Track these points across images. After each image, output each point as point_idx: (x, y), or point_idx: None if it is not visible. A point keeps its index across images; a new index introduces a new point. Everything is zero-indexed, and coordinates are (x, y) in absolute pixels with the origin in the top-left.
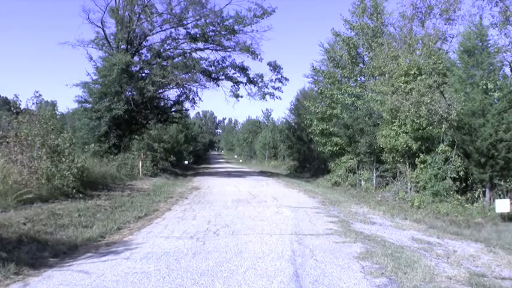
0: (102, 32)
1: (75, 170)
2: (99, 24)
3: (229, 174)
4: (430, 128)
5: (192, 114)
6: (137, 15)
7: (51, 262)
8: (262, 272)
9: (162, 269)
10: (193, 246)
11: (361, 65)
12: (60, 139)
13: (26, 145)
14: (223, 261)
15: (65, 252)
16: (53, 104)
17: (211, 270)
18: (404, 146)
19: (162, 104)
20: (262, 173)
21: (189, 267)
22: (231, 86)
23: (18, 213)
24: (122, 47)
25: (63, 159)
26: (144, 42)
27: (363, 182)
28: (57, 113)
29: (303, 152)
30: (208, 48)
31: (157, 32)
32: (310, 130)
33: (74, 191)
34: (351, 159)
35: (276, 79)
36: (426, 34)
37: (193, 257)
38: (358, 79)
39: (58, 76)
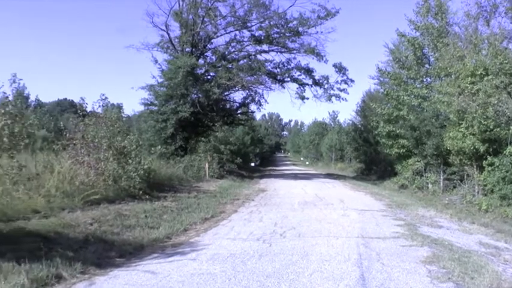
0: (167, 35)
1: (142, 172)
2: (163, 28)
3: (295, 176)
4: (498, 129)
5: (258, 116)
6: (201, 18)
7: (118, 262)
8: (329, 274)
9: (228, 270)
10: (260, 248)
11: (426, 65)
12: (126, 141)
13: (92, 147)
14: (290, 264)
15: (131, 252)
16: (119, 107)
17: (277, 273)
18: (472, 148)
19: (228, 106)
20: (329, 175)
21: (255, 269)
22: (297, 88)
23: (85, 214)
24: (186, 49)
25: (130, 160)
26: (208, 45)
27: (429, 185)
28: (123, 115)
29: (370, 154)
30: (273, 50)
31: (221, 35)
32: (376, 132)
33: (141, 192)
34: (417, 161)
35: (341, 81)
36: (492, 33)
37: (260, 259)
38: (424, 80)
39: (123, 79)
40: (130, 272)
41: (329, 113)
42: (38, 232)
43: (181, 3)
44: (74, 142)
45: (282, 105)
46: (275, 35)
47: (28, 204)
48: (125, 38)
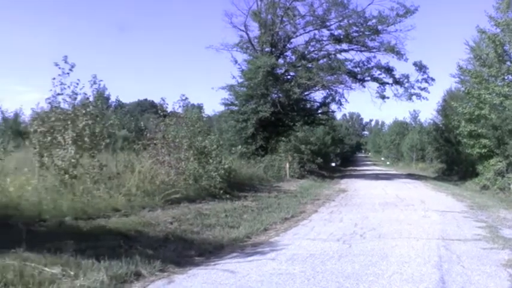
0: (246, 36)
1: (222, 171)
2: (242, 28)
3: (376, 176)
4: None
5: (338, 116)
6: (280, 18)
7: (197, 261)
8: (408, 277)
9: (307, 270)
10: (339, 249)
11: (508, 63)
12: (207, 141)
13: (173, 147)
14: (369, 265)
15: (210, 251)
16: (199, 107)
17: (356, 274)
18: None
19: (308, 106)
20: (410, 176)
21: (335, 270)
22: (377, 87)
23: (165, 213)
24: (266, 49)
25: (211, 160)
26: (288, 45)
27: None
28: (203, 115)
29: (451, 154)
30: (352, 49)
31: (300, 34)
32: (457, 132)
33: (221, 191)
34: (499, 161)
35: (422, 79)
36: None
37: (339, 259)
38: (506, 78)
39: (203, 79)
40: (210, 270)
41: (410, 113)
42: (118, 230)
43: (259, 3)
44: (155, 142)
45: (362, 104)
46: (354, 34)
47: (109, 203)
48: (203, 39)
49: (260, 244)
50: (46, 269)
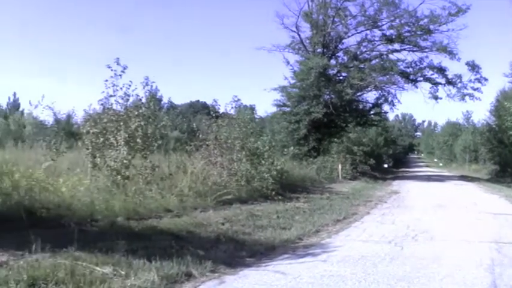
0: (298, 36)
1: (275, 173)
2: (294, 29)
3: (428, 178)
4: None
5: (391, 116)
6: (331, 19)
7: (248, 262)
8: (460, 280)
9: (359, 273)
10: (391, 251)
11: None
12: (259, 142)
13: (225, 148)
14: (421, 268)
15: (262, 252)
16: (252, 108)
17: (408, 276)
18: None
19: (360, 106)
20: (463, 178)
21: (386, 272)
22: (430, 88)
23: (217, 214)
24: (317, 50)
25: (263, 161)
26: (339, 45)
27: None
28: (255, 116)
29: (504, 156)
30: (404, 49)
31: (352, 35)
32: (511, 133)
33: (273, 193)
34: None
35: (474, 79)
36: None
37: (391, 262)
38: None
39: (255, 81)
40: (260, 272)
41: (462, 113)
42: (169, 230)
43: (310, 3)
44: (207, 143)
45: (415, 105)
46: (406, 34)
47: (161, 204)
48: (254, 40)
49: (311, 246)
50: (97, 268)
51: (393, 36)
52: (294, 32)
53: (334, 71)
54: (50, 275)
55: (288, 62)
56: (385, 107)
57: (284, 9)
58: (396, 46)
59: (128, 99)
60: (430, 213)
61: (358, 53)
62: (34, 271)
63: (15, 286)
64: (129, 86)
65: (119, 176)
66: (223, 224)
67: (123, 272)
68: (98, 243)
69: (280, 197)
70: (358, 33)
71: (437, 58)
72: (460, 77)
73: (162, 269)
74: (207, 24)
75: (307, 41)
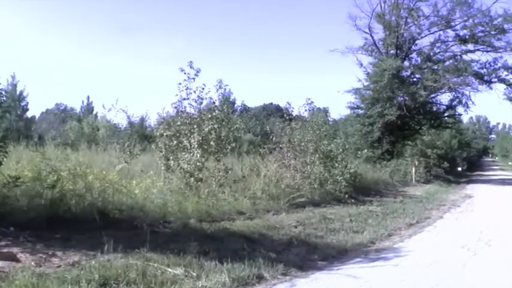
0: (370, 38)
1: (348, 176)
2: (367, 30)
3: (503, 182)
4: None
5: (465, 119)
6: (404, 19)
7: (320, 265)
8: None
9: (431, 278)
10: (464, 257)
11: None
12: (333, 145)
13: (298, 150)
14: (494, 274)
15: (334, 256)
16: (325, 111)
17: (481, 283)
18: None
19: (434, 109)
20: None
21: (458, 278)
22: (504, 89)
23: (289, 216)
24: (391, 52)
25: (336, 164)
26: (413, 46)
27: None
28: (329, 119)
29: None
30: (478, 49)
31: (425, 36)
32: None
33: (346, 196)
34: None
35: None
36: None
37: (463, 267)
38: None
39: (329, 83)
40: (332, 275)
41: None
42: (242, 233)
43: (383, 4)
44: (280, 146)
45: (489, 107)
46: (480, 34)
47: (233, 206)
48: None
49: (384, 250)
50: (169, 269)
51: (467, 37)
52: (367, 33)
53: (408, 73)
54: (121, 275)
55: (361, 64)
56: (459, 109)
57: (356, 10)
58: (470, 46)
59: (201, 102)
60: (504, 218)
61: (432, 54)
62: (106, 271)
63: (87, 286)
64: (203, 89)
65: (192, 178)
66: (295, 226)
67: (194, 274)
68: (170, 245)
69: (353, 200)
70: (431, 33)
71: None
72: None
73: (233, 271)
74: (280, 26)
75: (380, 43)
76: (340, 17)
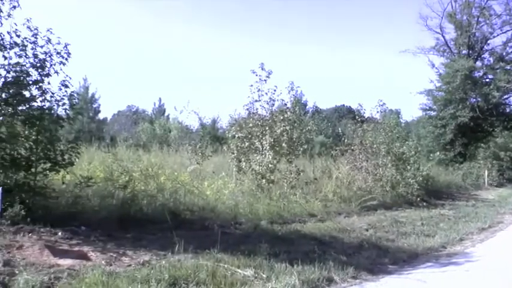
0: (442, 38)
1: (420, 178)
2: (438, 30)
3: None
4: None
5: None
6: (475, 19)
7: (390, 269)
8: None
9: (502, 285)
10: None
11: None
12: (405, 147)
13: (370, 153)
14: None
15: (404, 260)
16: (397, 112)
17: None
18: None
19: (507, 110)
20: None
21: None
22: None
23: (360, 219)
24: (463, 52)
25: (408, 167)
26: (485, 46)
27: None
28: (401, 121)
29: None
30: None
31: (497, 35)
32: None
33: (418, 199)
34: None
35: None
36: None
37: None
38: None
39: (400, 84)
40: (402, 279)
41: None
42: (312, 235)
43: (454, 4)
44: (352, 148)
45: None
46: None
47: (304, 208)
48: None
49: (455, 254)
50: (238, 270)
51: None
52: (438, 33)
53: (480, 73)
54: (191, 275)
55: (433, 65)
56: None
57: (427, 10)
58: None
59: (273, 104)
60: None
61: (504, 53)
62: (176, 271)
63: (156, 285)
64: (274, 90)
65: (263, 180)
66: (366, 229)
67: (264, 275)
68: (240, 246)
69: (424, 204)
70: (503, 33)
71: None
72: None
73: (303, 273)
74: (350, 26)
75: (452, 43)
76: (411, 17)
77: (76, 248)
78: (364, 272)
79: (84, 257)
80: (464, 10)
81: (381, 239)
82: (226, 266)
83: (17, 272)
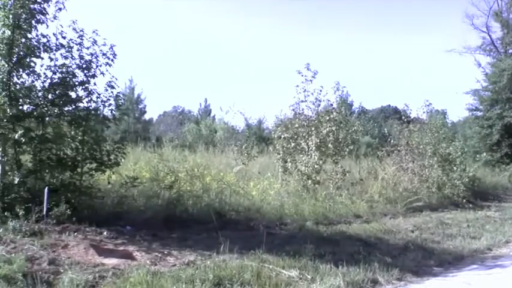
0: (488, 37)
1: (466, 180)
2: (484, 29)
3: None
4: None
5: None
6: None
7: (435, 271)
8: None
9: None
10: None
11: None
12: (451, 148)
13: (416, 153)
14: None
15: (449, 262)
16: (443, 113)
17: None
18: None
19: None
20: None
21: None
22: None
23: (406, 220)
24: (509, 51)
25: (455, 168)
26: None
27: None
28: (447, 121)
29: None
30: None
31: None
32: None
33: (464, 200)
34: None
35: None
36: None
37: None
38: None
39: (447, 84)
40: (447, 282)
41: None
42: (358, 236)
43: (500, 2)
44: (398, 148)
45: None
46: None
47: (350, 209)
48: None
49: (501, 257)
50: (283, 271)
51: None
52: (484, 32)
53: None
54: (235, 275)
55: (480, 64)
56: None
57: (473, 9)
58: None
59: (319, 104)
60: None
61: None
62: (220, 271)
63: (201, 285)
64: (320, 91)
65: (309, 181)
66: (412, 231)
67: (309, 276)
68: (285, 247)
69: (470, 205)
70: None
71: None
72: None
73: (348, 274)
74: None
75: (498, 42)
76: (457, 16)
77: (121, 248)
78: (409, 274)
79: (129, 256)
80: (510, 8)
81: (426, 241)
82: (271, 266)
83: (61, 270)
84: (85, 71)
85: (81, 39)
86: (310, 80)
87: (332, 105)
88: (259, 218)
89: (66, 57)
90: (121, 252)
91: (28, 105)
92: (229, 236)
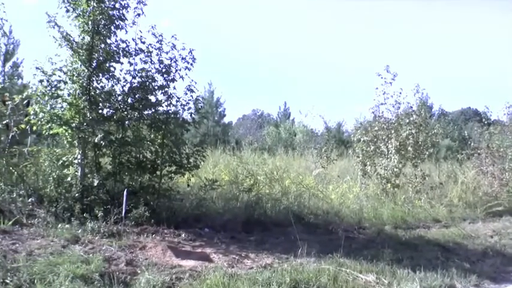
0: None
1: None
2: None
3: None
4: None
5: None
6: None
7: None
8: None
9: None
10: None
11: None
12: None
13: (497, 156)
14: None
15: None
16: None
17: None
18: None
19: None
20: None
21: None
22: None
23: (485, 226)
24: None
25: None
26: None
27: None
28: None
29: None
30: None
31: None
32: None
33: None
34: None
35: None
36: None
37: None
38: None
39: None
40: None
41: None
42: (436, 241)
43: None
44: (479, 152)
45: None
46: None
47: (429, 213)
48: None
49: None
50: (360, 275)
51: None
52: None
53: None
54: (312, 279)
55: None
56: None
57: None
58: None
59: (398, 107)
60: None
61: None
62: (297, 274)
63: None
64: (400, 93)
65: (388, 184)
66: (491, 236)
67: (386, 281)
68: (363, 251)
69: None
70: None
71: None
72: None
73: (425, 280)
74: (473, 28)
75: None
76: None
77: (199, 250)
78: (487, 280)
79: (206, 258)
80: None
81: (506, 247)
82: (348, 270)
83: (139, 271)
84: (164, 75)
85: (160, 44)
86: (390, 82)
87: (412, 107)
88: (337, 221)
89: (145, 62)
90: (198, 254)
91: (108, 109)
92: (307, 240)
